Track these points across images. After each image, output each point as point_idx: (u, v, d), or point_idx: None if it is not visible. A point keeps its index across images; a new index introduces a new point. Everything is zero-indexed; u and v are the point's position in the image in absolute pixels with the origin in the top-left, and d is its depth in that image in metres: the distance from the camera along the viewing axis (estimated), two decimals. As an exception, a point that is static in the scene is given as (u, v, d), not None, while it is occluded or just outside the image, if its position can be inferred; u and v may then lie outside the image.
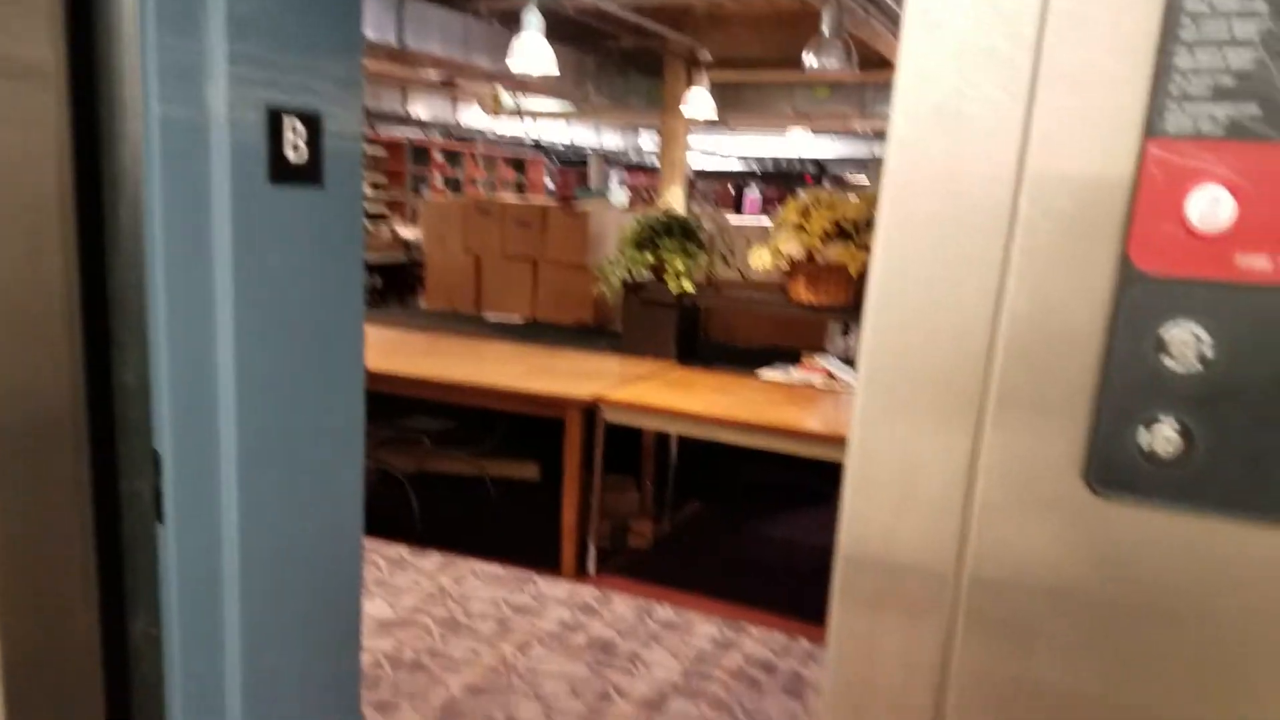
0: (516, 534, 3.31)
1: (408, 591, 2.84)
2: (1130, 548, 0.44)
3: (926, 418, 0.49)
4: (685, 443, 3.34)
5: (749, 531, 3.47)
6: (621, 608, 2.80)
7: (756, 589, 2.92)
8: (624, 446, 3.15)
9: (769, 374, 3.11)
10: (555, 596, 2.84)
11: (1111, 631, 0.46)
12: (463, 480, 3.66)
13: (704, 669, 2.49)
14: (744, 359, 3.20)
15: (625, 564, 3.10)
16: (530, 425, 3.18)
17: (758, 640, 2.64)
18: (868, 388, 0.50)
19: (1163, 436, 0.41)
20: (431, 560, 3.06)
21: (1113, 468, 0.43)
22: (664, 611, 2.78)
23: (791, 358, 3.13)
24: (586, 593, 2.86)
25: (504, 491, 3.65)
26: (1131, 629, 0.46)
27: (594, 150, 12.20)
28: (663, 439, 3.35)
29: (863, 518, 0.52)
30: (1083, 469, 0.44)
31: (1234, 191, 0.36)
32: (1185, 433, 0.40)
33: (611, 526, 3.17)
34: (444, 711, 2.26)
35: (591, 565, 2.97)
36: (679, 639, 2.64)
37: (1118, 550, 0.44)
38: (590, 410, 2.82)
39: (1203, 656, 0.45)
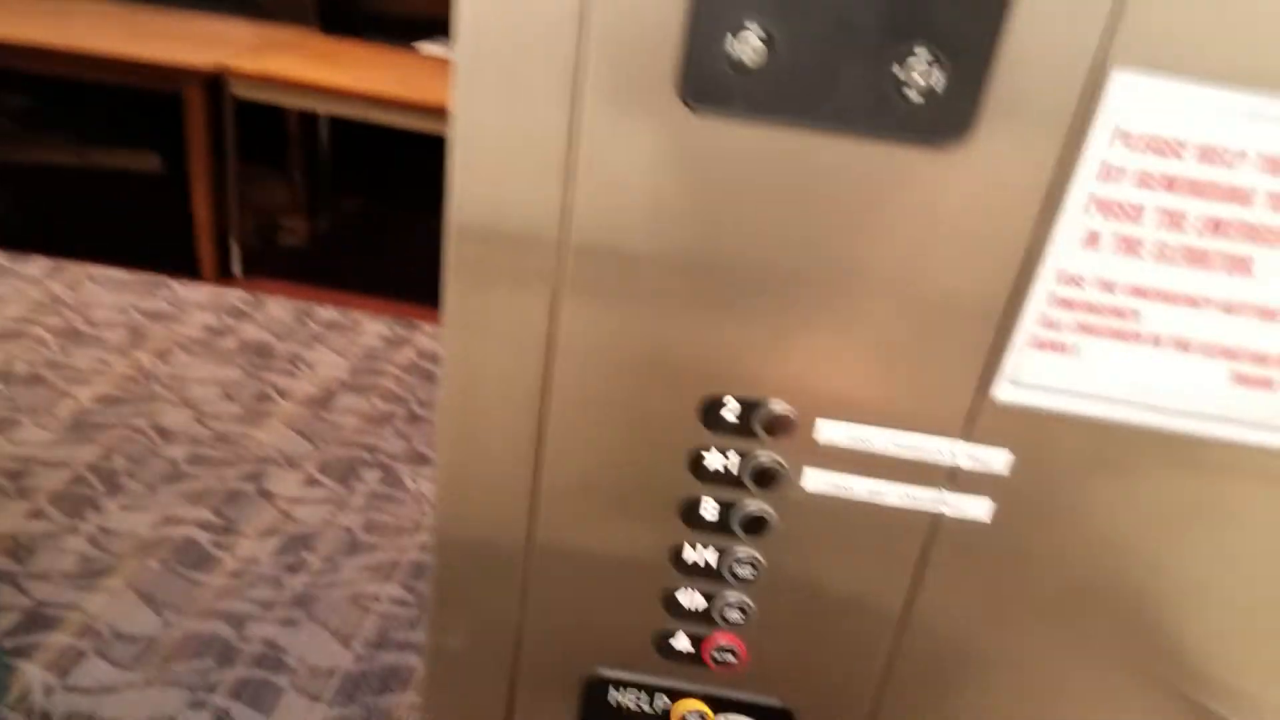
0: (141, 235, 2.90)
1: (10, 301, 2.44)
2: (727, 165, 0.44)
3: (523, 83, 0.43)
4: (339, 129, 3.02)
5: (416, 226, 3.29)
6: (277, 310, 2.59)
7: (428, 285, 2.82)
8: (265, 132, 2.79)
9: (429, 48, 2.82)
10: (196, 301, 2.56)
11: (712, 277, 0.46)
12: (65, 173, 3.11)
13: (374, 365, 2.40)
14: (400, 29, 2.86)
15: (278, 265, 2.84)
16: (144, 105, 2.70)
17: (431, 335, 2.57)
18: (467, 57, 0.44)
19: (750, 45, 0.40)
20: (36, 266, 2.63)
21: (705, 80, 0.42)
22: (326, 313, 2.61)
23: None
24: (234, 296, 2.61)
25: (120, 186, 3.16)
26: (728, 274, 0.46)
27: None
28: (310, 123, 3.00)
29: (470, 190, 0.46)
30: (679, 87, 0.42)
31: None
32: (769, 39, 0.40)
33: (258, 224, 2.86)
34: (75, 423, 2.02)
35: (237, 267, 2.69)
36: (345, 339, 2.51)
37: (717, 168, 0.44)
38: (214, 83, 2.42)
39: (798, 287, 0.46)
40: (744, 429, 0.50)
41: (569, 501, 0.54)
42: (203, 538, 1.75)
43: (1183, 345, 0.43)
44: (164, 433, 2.02)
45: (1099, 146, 0.40)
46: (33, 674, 1.47)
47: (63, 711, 1.43)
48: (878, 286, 0.45)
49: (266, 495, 1.87)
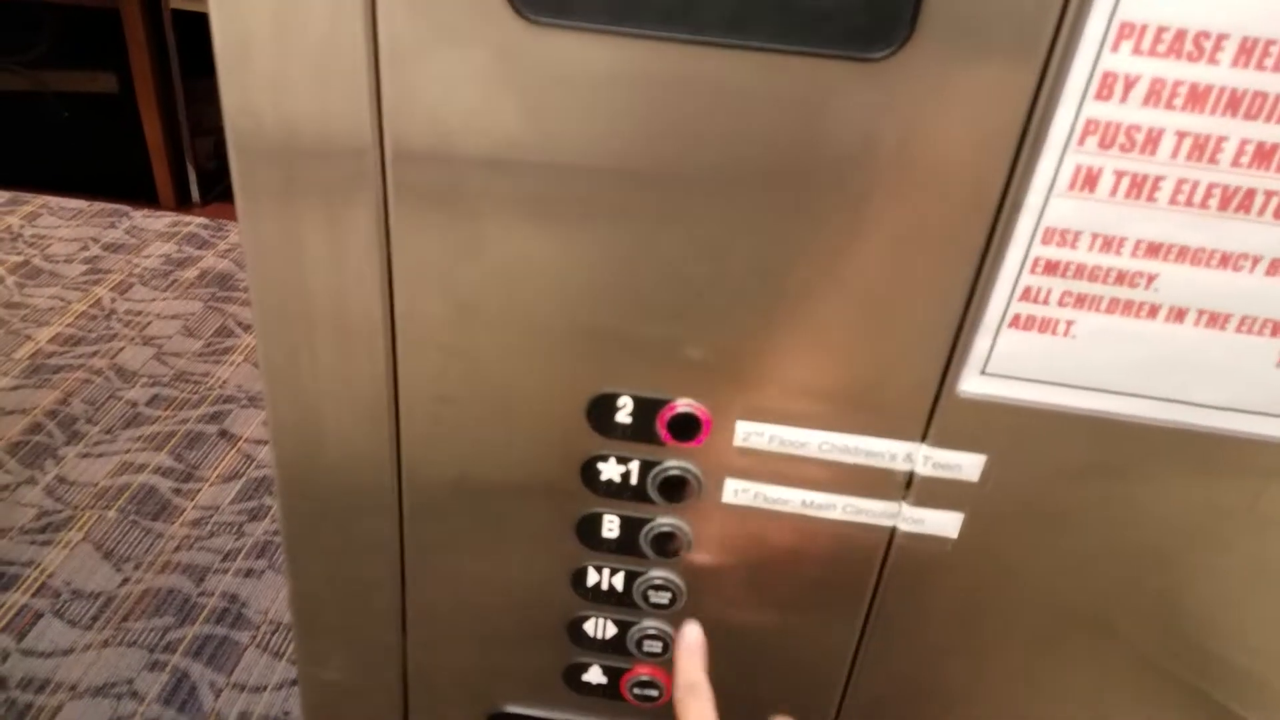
0: (99, 161, 2.75)
1: (-38, 240, 2.33)
2: (566, 82, 0.32)
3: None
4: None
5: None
6: (239, 236, 2.47)
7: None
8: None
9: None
10: (156, 230, 2.43)
11: (555, 185, 0.34)
12: (17, 98, 2.94)
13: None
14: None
15: (242, 184, 2.70)
16: (94, 23, 2.53)
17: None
18: None
19: None
20: (-8, 199, 2.51)
21: None
22: (292, 232, 2.48)
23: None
24: (194, 223, 2.48)
25: (77, 110, 2.99)
26: (570, 182, 0.34)
27: None
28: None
29: (248, 104, 0.34)
30: None
31: None
32: None
33: (215, 144, 2.71)
34: (33, 368, 1.93)
35: (195, 192, 2.55)
36: (312, 260, 2.39)
37: (554, 89, 0.32)
38: (153, -5, 2.25)
39: (705, 250, 0.35)
40: (644, 432, 0.39)
41: (442, 508, 0.43)
42: (163, 485, 1.66)
43: (1215, 320, 0.32)
44: (123, 373, 1.93)
45: (1094, 48, 0.27)
46: (-13, 638, 1.41)
47: (20, 676, 1.37)
48: (805, 246, 0.34)
49: (228, 437, 1.78)
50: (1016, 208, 0.30)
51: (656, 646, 0.45)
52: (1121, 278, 0.31)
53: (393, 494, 0.43)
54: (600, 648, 0.45)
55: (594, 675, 0.46)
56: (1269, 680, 0.42)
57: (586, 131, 0.32)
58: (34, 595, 1.47)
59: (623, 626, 0.44)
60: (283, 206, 0.35)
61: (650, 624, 0.44)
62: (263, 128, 0.33)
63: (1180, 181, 0.29)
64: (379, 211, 0.35)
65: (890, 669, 0.44)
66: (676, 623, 0.44)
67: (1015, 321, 0.32)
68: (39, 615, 1.44)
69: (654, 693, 0.46)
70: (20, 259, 2.30)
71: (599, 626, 0.45)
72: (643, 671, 0.46)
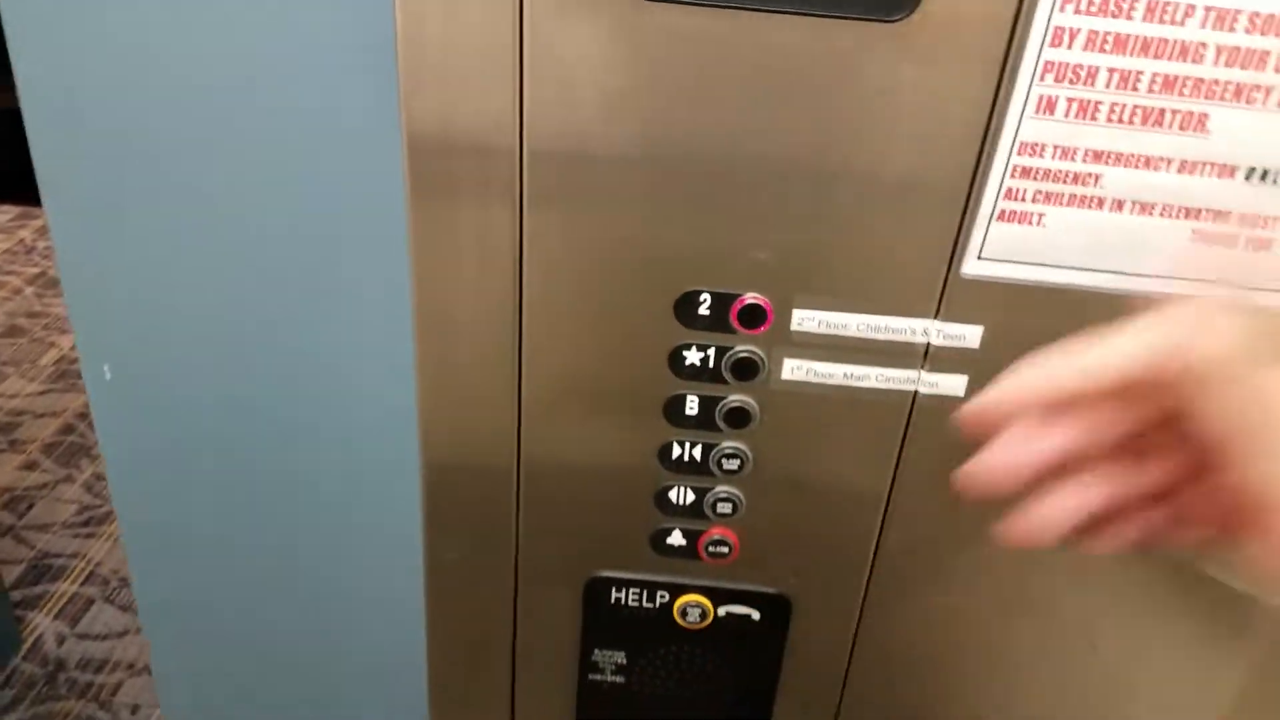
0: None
1: (-24, 259, 2.40)
2: (678, 52, 0.44)
3: None
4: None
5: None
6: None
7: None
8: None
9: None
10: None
11: (674, 170, 0.46)
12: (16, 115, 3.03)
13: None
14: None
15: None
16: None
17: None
18: None
19: None
20: (4, 214, 2.58)
21: None
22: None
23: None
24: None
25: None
26: (690, 166, 0.46)
27: None
28: None
29: (421, 104, 0.46)
30: None
31: None
32: None
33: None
34: (59, 372, 2.01)
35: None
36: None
37: (668, 56, 0.44)
38: None
39: (762, 176, 0.46)
40: (720, 322, 0.50)
41: (554, 410, 0.54)
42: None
43: (1144, 207, 0.44)
44: (146, 380, 2.02)
45: (1047, 9, 0.39)
46: (43, 624, 1.50)
47: (78, 658, 1.46)
48: (842, 169, 0.45)
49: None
50: (999, 128, 0.42)
51: (728, 509, 0.56)
52: (1076, 178, 0.43)
53: (513, 394, 0.54)
54: (681, 513, 0.57)
55: (675, 538, 0.58)
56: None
57: (700, 110, 0.44)
58: (83, 584, 1.56)
59: (700, 493, 0.56)
60: (442, 197, 0.47)
61: (723, 489, 0.56)
62: (431, 131, 0.45)
63: (1113, 105, 0.41)
64: (515, 201, 0.47)
65: (914, 515, 0.55)
66: (745, 488, 0.55)
67: (1002, 215, 0.44)
68: (90, 602, 1.53)
69: (725, 549, 0.57)
70: (37, 270, 2.38)
71: (680, 494, 0.56)
72: (716, 532, 0.57)
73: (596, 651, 0.61)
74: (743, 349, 0.51)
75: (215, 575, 0.89)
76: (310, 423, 0.79)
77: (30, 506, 1.74)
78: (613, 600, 0.59)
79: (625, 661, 0.61)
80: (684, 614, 0.59)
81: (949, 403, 0.51)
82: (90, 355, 0.78)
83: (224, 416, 0.80)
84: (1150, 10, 0.39)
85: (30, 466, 1.83)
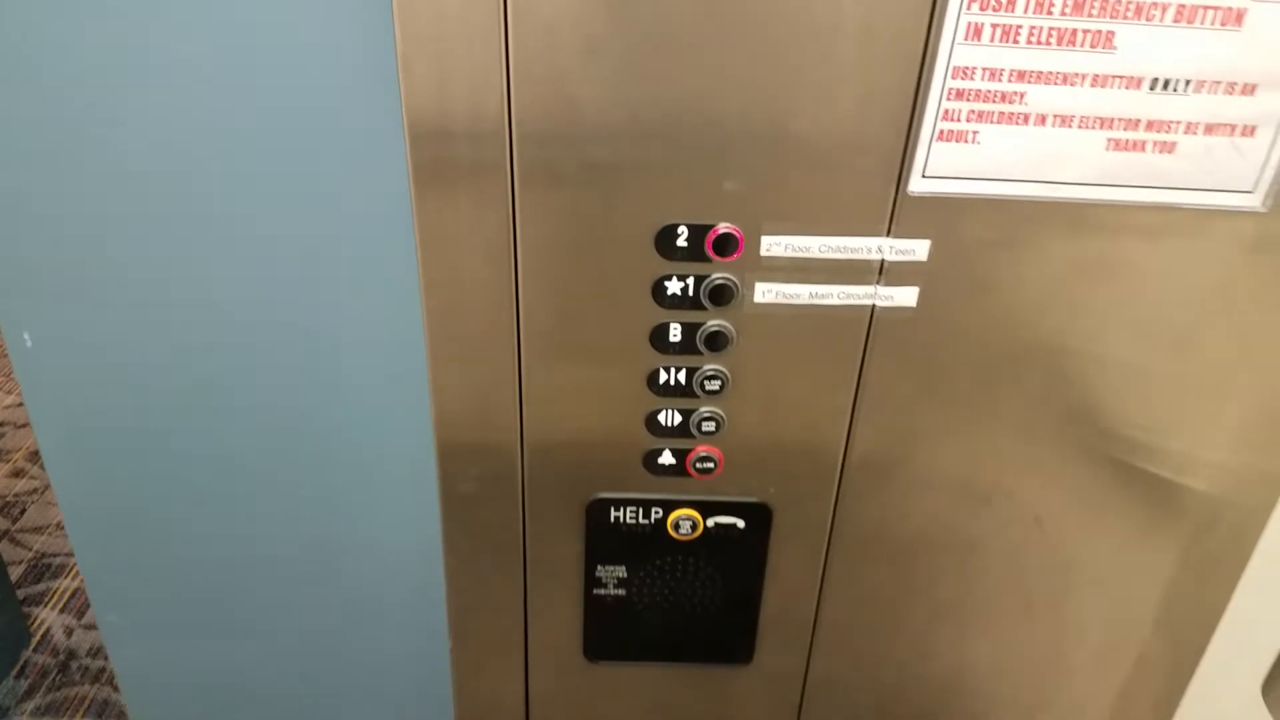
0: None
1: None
2: (637, 8, 0.48)
3: None
4: None
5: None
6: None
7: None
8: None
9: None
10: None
11: (649, 118, 0.51)
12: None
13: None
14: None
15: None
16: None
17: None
18: None
19: None
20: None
21: None
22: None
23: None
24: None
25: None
26: (663, 113, 0.51)
27: None
28: None
29: (419, 92, 0.51)
30: None
31: None
32: None
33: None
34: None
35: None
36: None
37: (630, 18, 0.48)
38: None
39: (727, 116, 0.52)
40: (696, 253, 0.55)
41: (551, 347, 0.59)
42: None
43: (1064, 120, 0.49)
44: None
45: (971, -52, 0.45)
46: (50, 618, 1.53)
47: (87, 647, 1.49)
48: (797, 105, 0.51)
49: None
50: (934, 56, 0.48)
51: (711, 427, 0.61)
52: (1004, 97, 0.49)
53: (512, 335, 0.59)
54: (670, 433, 0.62)
55: (666, 458, 0.63)
56: (1161, 410, 0.60)
57: (670, 59, 0.49)
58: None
59: (686, 414, 0.61)
60: (441, 184, 0.52)
61: (706, 409, 0.61)
62: (427, 113, 0.50)
63: (1032, 28, 0.47)
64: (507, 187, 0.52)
65: (877, 420, 0.61)
66: (726, 406, 0.61)
67: (941, 135, 0.50)
68: (94, 595, 1.57)
69: (710, 465, 0.63)
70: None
71: (669, 417, 0.61)
72: (702, 449, 0.62)
73: (599, 568, 0.66)
74: (718, 276, 0.56)
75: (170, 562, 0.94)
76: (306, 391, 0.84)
77: (23, 511, 1.77)
78: (612, 519, 0.65)
79: (625, 575, 0.66)
80: (676, 527, 0.65)
81: (904, 314, 0.57)
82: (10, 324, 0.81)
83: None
84: (1058, -58, 0.45)
85: (18, 474, 1.86)
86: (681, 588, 0.67)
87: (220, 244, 0.76)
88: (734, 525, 0.65)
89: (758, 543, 0.65)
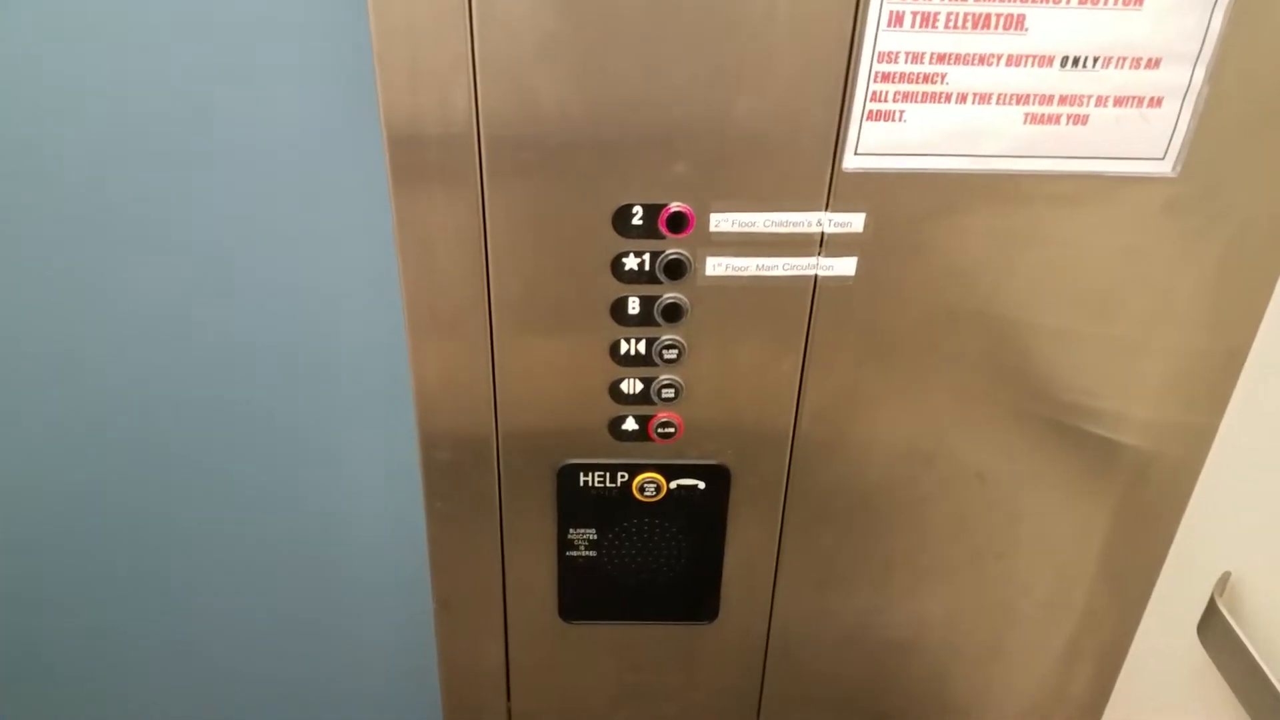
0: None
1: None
2: (590, 10, 0.52)
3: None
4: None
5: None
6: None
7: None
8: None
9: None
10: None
11: (604, 108, 0.55)
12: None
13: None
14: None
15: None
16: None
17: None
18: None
19: None
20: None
21: None
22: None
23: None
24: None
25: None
26: (616, 104, 0.55)
27: None
28: None
29: (395, 96, 0.55)
30: None
31: None
32: None
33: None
34: None
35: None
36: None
37: (584, 20, 0.52)
38: None
39: (674, 103, 0.55)
40: (651, 231, 0.59)
41: (521, 323, 0.63)
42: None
43: (983, 98, 0.53)
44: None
45: (888, -60, 0.49)
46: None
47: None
48: (738, 89, 0.55)
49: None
50: (860, 42, 0.52)
51: (671, 394, 0.65)
52: (926, 78, 0.53)
53: (484, 312, 0.63)
54: (632, 401, 0.66)
55: (629, 424, 0.67)
56: (1093, 370, 0.64)
57: (619, 55, 0.53)
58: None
59: (646, 382, 0.65)
60: (418, 184, 0.56)
61: (665, 377, 0.65)
62: (401, 116, 0.54)
63: (949, 14, 0.51)
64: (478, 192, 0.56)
65: (825, 385, 0.65)
66: (684, 374, 0.65)
67: (870, 115, 0.54)
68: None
69: (671, 430, 0.67)
70: None
71: (631, 385, 0.65)
72: (662, 415, 0.66)
73: (571, 531, 0.70)
74: (672, 252, 0.60)
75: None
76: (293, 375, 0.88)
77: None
78: (581, 484, 0.69)
79: (595, 537, 0.70)
80: (641, 490, 0.69)
81: (844, 283, 0.61)
82: None
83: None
84: (968, -66, 0.49)
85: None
86: (648, 549, 0.71)
87: (199, 255, 0.80)
88: (695, 486, 0.69)
89: (718, 503, 0.69)
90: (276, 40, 0.71)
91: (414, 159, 0.57)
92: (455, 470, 0.69)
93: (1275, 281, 0.62)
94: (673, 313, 0.62)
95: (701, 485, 0.69)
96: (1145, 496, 0.69)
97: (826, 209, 0.58)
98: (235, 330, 0.84)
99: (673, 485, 0.69)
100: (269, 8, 0.70)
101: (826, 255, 0.60)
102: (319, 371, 0.87)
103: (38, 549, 0.97)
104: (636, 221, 0.59)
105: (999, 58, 0.52)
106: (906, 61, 0.52)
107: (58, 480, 0.92)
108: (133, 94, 0.73)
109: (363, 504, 0.95)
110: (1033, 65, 0.52)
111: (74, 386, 0.87)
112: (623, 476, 0.69)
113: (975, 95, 0.53)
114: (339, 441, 0.91)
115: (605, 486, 0.69)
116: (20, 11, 0.70)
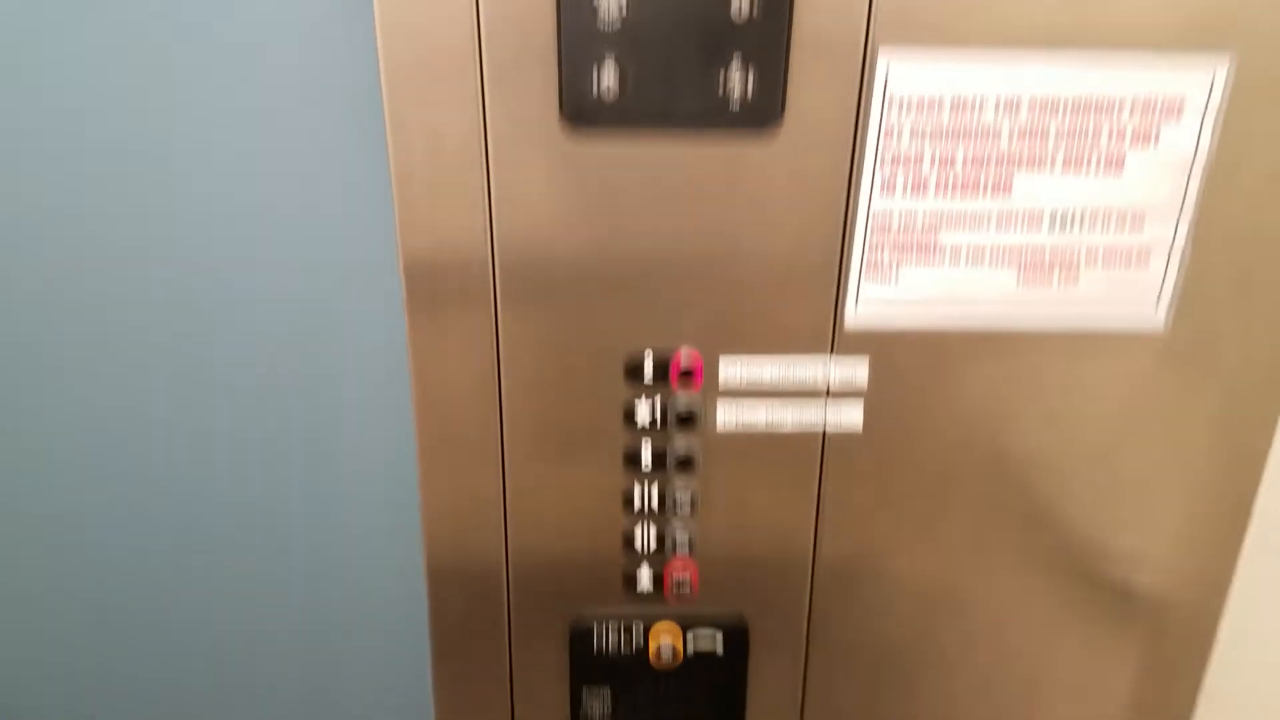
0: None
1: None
2: (607, 174, 0.56)
3: (443, 86, 0.54)
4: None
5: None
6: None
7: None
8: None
9: None
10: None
11: (614, 266, 0.59)
12: None
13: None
14: None
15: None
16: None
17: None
18: (397, 118, 0.55)
19: (607, 75, 0.53)
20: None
21: (579, 105, 0.54)
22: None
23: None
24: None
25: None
26: (626, 263, 0.58)
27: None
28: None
29: (411, 221, 0.58)
30: (559, 111, 0.55)
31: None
32: (621, 71, 0.53)
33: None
34: None
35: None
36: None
37: (600, 178, 0.56)
38: None
39: (684, 263, 0.59)
40: (661, 382, 0.61)
41: (533, 469, 0.64)
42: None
43: (976, 258, 0.56)
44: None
45: (878, 111, 0.53)
46: None
47: None
48: (744, 249, 0.58)
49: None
50: (855, 205, 0.55)
51: (685, 543, 0.66)
52: (920, 241, 0.56)
53: (497, 456, 0.64)
54: (645, 551, 0.66)
55: (644, 577, 0.67)
56: (1106, 512, 0.65)
57: (628, 217, 0.56)
58: None
59: (660, 531, 0.66)
60: (432, 311, 0.59)
61: (679, 526, 0.65)
62: (420, 251, 0.57)
63: (938, 182, 0.54)
64: (492, 300, 0.59)
65: (840, 535, 0.65)
66: (698, 523, 0.65)
67: (868, 275, 0.57)
68: None
69: (687, 586, 0.67)
70: None
71: (644, 534, 0.66)
72: (677, 570, 0.66)
73: (584, 690, 0.69)
74: (683, 403, 0.62)
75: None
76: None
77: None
78: (594, 642, 0.68)
79: (610, 699, 0.69)
80: (658, 655, 0.68)
81: (851, 437, 0.62)
82: None
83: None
84: (955, 106, 0.53)
85: None
86: (665, 713, 0.70)
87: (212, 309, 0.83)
88: (714, 648, 0.68)
89: (738, 664, 0.68)
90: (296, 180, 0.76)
91: (431, 298, 0.60)
92: (465, 627, 0.68)
93: (1275, 425, 0.63)
94: (685, 463, 0.63)
95: (720, 645, 0.68)
96: (1167, 650, 0.68)
97: (831, 361, 0.60)
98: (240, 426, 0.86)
99: (690, 648, 0.68)
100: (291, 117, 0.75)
101: (834, 405, 0.61)
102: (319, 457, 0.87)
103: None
104: (647, 373, 0.61)
105: (989, 220, 0.55)
106: (900, 225, 0.55)
107: (41, 484, 0.92)
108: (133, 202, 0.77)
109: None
110: (1022, 226, 0.55)
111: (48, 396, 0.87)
112: (638, 632, 0.68)
113: (968, 256, 0.56)
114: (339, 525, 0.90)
115: (619, 645, 0.68)
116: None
